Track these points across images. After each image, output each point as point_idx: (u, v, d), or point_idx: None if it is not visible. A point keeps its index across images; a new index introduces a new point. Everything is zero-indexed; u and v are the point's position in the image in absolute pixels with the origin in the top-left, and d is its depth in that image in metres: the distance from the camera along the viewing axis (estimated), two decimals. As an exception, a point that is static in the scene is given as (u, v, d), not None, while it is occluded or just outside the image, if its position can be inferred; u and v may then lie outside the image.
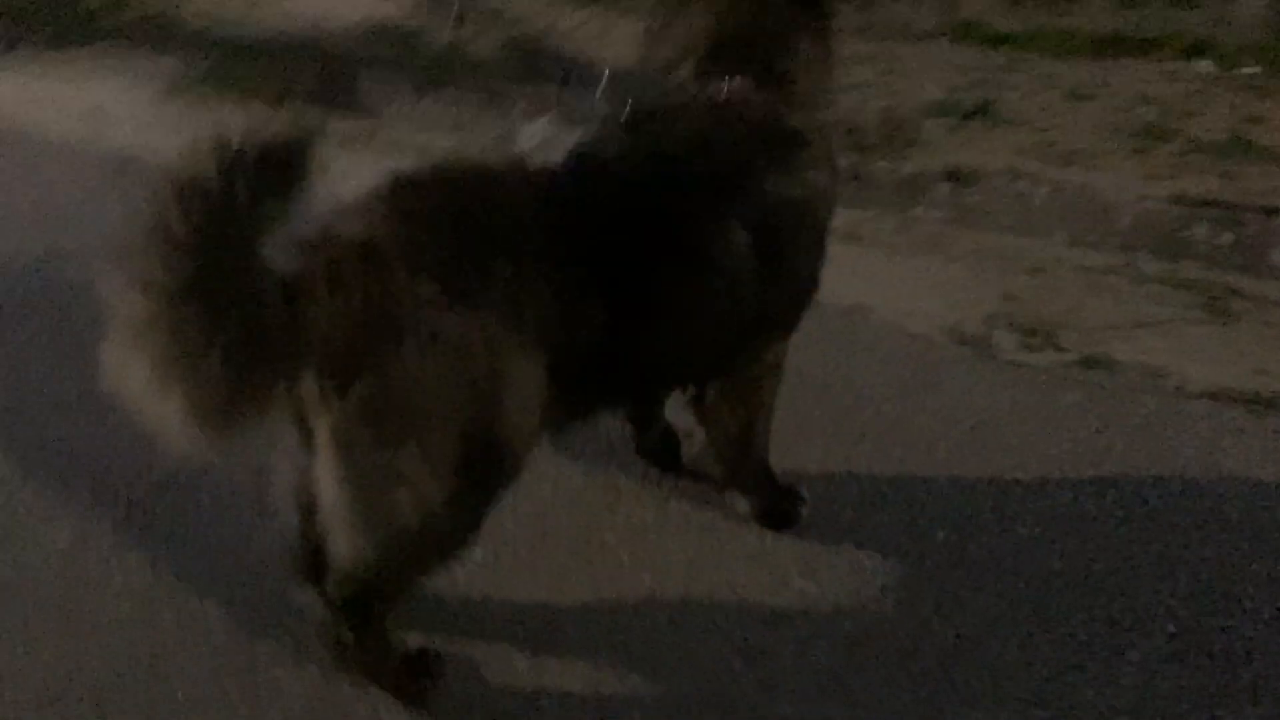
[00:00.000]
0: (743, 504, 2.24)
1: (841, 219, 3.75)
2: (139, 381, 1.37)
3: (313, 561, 1.81)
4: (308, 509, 1.71)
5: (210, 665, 1.93)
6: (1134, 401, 2.65)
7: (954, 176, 4.22)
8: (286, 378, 1.51)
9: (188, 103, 4.74)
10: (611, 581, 2.11)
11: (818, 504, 2.29)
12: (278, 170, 1.42)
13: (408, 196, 1.64)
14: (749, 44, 1.96)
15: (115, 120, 4.58)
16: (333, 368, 1.53)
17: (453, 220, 1.63)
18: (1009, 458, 2.46)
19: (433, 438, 1.59)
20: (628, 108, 1.97)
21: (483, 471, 1.67)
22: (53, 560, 2.18)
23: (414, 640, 1.92)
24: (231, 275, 1.40)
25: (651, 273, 1.78)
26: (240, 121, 1.40)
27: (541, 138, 2.13)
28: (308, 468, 1.63)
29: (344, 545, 1.66)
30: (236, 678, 1.91)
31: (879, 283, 3.31)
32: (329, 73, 5.07)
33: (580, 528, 2.24)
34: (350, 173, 1.66)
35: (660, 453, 2.38)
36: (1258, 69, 4.77)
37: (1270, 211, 3.86)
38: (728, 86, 1.92)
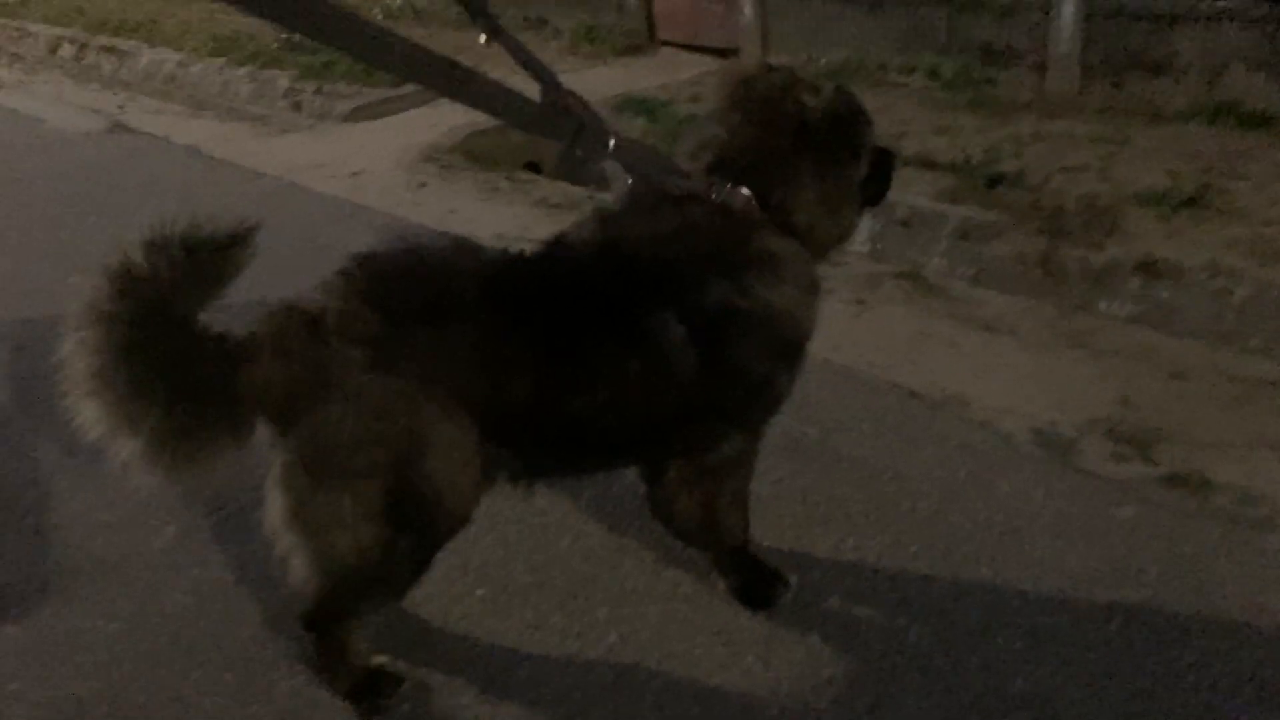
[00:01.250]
0: (721, 580, 2.34)
1: (987, 307, 3.73)
2: (94, 422, 1.76)
3: None
4: None
5: (233, 655, 2.28)
6: (1197, 528, 2.45)
7: (1147, 269, 3.98)
8: (233, 423, 1.85)
9: (437, 170, 5.37)
10: (579, 637, 2.26)
11: (810, 589, 2.33)
12: (204, 259, 1.78)
13: (361, 274, 1.92)
14: (751, 166, 2.06)
15: (372, 181, 5.29)
16: (276, 417, 1.86)
17: (392, 295, 1.88)
18: (1028, 568, 2.37)
19: (359, 486, 1.85)
20: (622, 194, 2.16)
21: (414, 520, 1.92)
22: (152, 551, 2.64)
23: (395, 661, 2.19)
24: (162, 340, 1.76)
25: (582, 351, 1.95)
26: (179, 221, 1.77)
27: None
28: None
29: (295, 571, 1.97)
30: (245, 668, 2.24)
31: (991, 376, 3.23)
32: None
33: (575, 582, 2.42)
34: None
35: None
36: None
37: None
38: (725, 192, 2.06)
